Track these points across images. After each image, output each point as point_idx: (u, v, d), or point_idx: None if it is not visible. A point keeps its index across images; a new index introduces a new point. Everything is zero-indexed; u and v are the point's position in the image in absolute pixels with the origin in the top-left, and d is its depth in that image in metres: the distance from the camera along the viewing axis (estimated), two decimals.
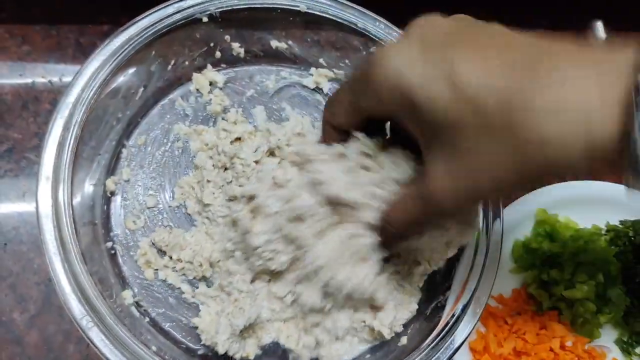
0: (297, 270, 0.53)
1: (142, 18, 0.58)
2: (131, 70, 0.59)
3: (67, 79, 0.68)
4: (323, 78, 0.67)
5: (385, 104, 0.41)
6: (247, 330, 0.54)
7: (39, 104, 0.66)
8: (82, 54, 0.69)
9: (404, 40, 0.40)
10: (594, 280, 0.63)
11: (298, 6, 0.62)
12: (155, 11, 0.58)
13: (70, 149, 0.53)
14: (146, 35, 0.58)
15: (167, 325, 0.56)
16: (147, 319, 0.55)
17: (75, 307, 0.48)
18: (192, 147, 0.62)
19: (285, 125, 0.59)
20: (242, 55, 0.66)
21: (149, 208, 0.60)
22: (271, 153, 0.58)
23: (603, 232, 0.68)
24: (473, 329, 0.52)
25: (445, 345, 0.52)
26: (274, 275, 0.54)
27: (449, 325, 0.52)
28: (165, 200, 0.60)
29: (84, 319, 0.47)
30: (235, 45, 0.65)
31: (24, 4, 0.70)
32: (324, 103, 0.53)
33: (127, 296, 0.55)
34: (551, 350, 0.61)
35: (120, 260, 0.57)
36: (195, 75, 0.65)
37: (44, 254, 0.48)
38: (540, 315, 0.64)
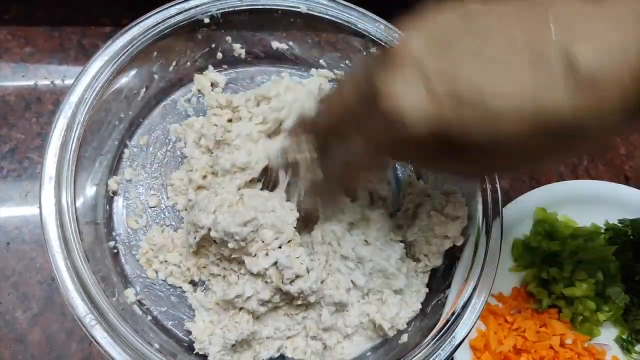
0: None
1: (144, 19, 0.58)
2: (133, 71, 0.59)
3: (69, 80, 0.68)
4: (323, 79, 0.68)
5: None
6: (242, 344, 0.54)
7: (42, 104, 0.66)
8: (84, 55, 0.70)
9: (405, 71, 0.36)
10: (593, 278, 0.63)
11: (299, 7, 0.62)
12: (157, 12, 0.59)
13: (72, 149, 0.53)
14: (148, 36, 0.58)
15: (169, 324, 0.56)
16: (149, 317, 0.55)
17: (79, 305, 0.48)
18: (188, 142, 0.62)
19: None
20: (243, 56, 0.67)
21: (151, 207, 0.60)
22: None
23: (602, 230, 0.68)
24: (473, 326, 0.53)
25: (446, 342, 0.52)
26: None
27: (450, 322, 0.53)
28: (167, 199, 0.61)
29: (87, 316, 0.48)
30: (237, 46, 0.66)
31: (27, 6, 0.70)
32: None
33: (130, 295, 0.55)
34: (551, 347, 0.61)
35: (122, 259, 0.58)
36: (196, 76, 0.66)
37: (46, 253, 0.49)
38: (540, 313, 0.64)
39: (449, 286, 0.56)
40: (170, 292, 0.57)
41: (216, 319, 0.55)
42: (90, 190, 0.57)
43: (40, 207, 0.50)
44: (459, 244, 0.58)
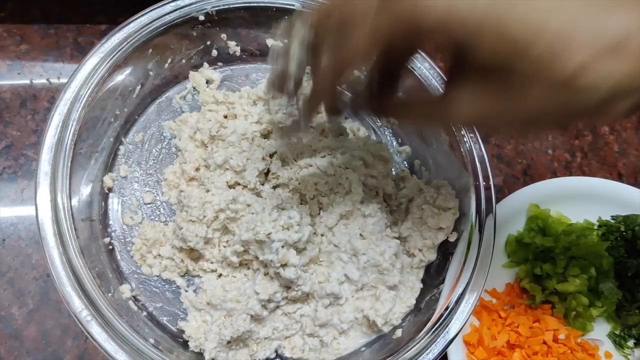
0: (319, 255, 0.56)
1: (139, 16, 0.59)
2: (128, 69, 0.60)
3: (65, 77, 0.68)
4: None
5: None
6: (238, 342, 0.55)
7: (38, 102, 0.67)
8: (80, 53, 0.70)
9: None
10: (586, 274, 0.64)
11: (293, 5, 0.62)
12: (152, 10, 0.59)
13: (68, 146, 0.53)
14: (143, 33, 0.58)
15: (164, 320, 0.56)
16: (145, 313, 0.56)
17: (74, 300, 0.48)
18: (182, 137, 0.62)
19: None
20: (238, 53, 0.67)
21: (146, 204, 0.60)
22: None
23: (595, 226, 0.69)
24: (466, 322, 0.53)
25: (439, 337, 0.52)
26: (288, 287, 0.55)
27: (443, 318, 0.53)
28: (162, 195, 0.61)
29: (82, 312, 0.48)
30: (232, 43, 0.66)
31: (23, 3, 0.70)
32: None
33: (125, 290, 0.55)
34: (544, 343, 0.62)
35: (118, 255, 0.58)
36: (191, 73, 0.66)
37: (42, 249, 0.49)
38: (533, 309, 0.64)
39: (442, 282, 0.56)
40: (166, 287, 0.57)
41: (209, 319, 0.55)
42: (85, 187, 0.57)
43: (35, 204, 0.50)
44: (452, 239, 0.58)
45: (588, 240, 0.65)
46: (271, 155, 0.59)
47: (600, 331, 0.66)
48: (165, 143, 0.63)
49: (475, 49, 0.33)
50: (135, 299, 0.56)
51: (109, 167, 0.61)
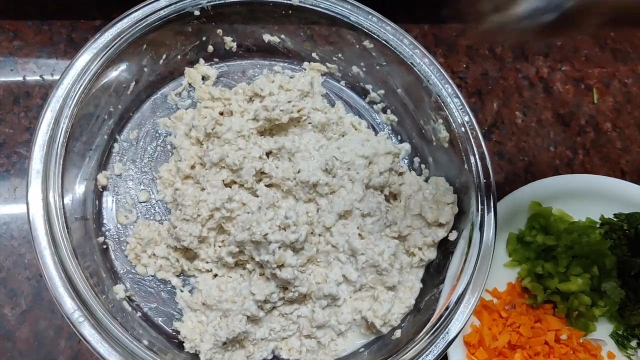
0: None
1: (134, 11, 0.58)
2: (122, 65, 0.59)
3: (59, 74, 0.67)
4: (316, 72, 0.67)
5: None
6: (233, 343, 0.54)
7: (31, 99, 0.66)
8: (74, 49, 0.69)
9: None
10: (588, 273, 0.63)
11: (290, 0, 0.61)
12: (146, 5, 0.58)
13: (60, 142, 0.52)
14: (137, 28, 0.57)
15: (159, 320, 0.55)
16: (139, 314, 0.55)
17: (66, 301, 0.47)
18: (178, 134, 0.61)
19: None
20: (234, 49, 0.66)
21: (141, 202, 0.59)
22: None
23: (597, 225, 0.68)
24: (467, 322, 0.52)
25: (439, 338, 0.51)
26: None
27: (443, 317, 0.52)
28: (157, 193, 0.60)
29: (74, 313, 0.47)
30: (228, 39, 0.65)
31: None
32: None
33: (119, 291, 0.54)
34: (546, 343, 0.61)
35: (112, 255, 0.57)
36: (187, 69, 0.65)
37: (34, 249, 0.48)
38: (535, 309, 0.63)
39: (442, 281, 0.55)
40: (161, 288, 0.56)
41: (205, 320, 0.54)
42: (79, 186, 0.56)
43: (27, 203, 0.49)
44: (452, 238, 0.57)
45: (590, 238, 0.64)
46: (268, 154, 0.58)
47: (602, 331, 0.65)
48: (160, 140, 0.62)
49: None
50: (129, 299, 0.55)
51: (103, 165, 0.60)
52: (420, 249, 0.58)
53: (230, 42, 0.65)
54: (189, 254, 0.56)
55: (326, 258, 0.56)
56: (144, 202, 0.59)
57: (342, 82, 0.68)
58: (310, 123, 0.60)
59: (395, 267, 0.56)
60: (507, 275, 0.66)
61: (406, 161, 0.66)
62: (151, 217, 0.59)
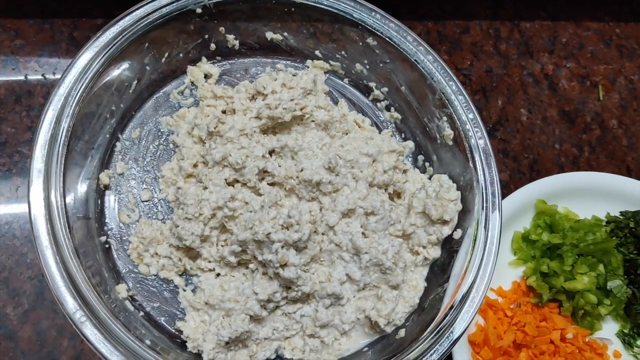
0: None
1: (135, 9, 0.57)
2: (124, 63, 0.58)
3: (60, 73, 0.67)
4: (319, 70, 0.67)
5: None
6: (237, 343, 0.54)
7: (32, 98, 0.65)
8: (75, 48, 0.68)
9: None
10: (594, 271, 0.62)
11: None
12: (148, 3, 0.58)
13: (62, 141, 0.52)
14: (139, 26, 0.57)
15: (161, 319, 0.55)
16: (142, 313, 0.54)
17: (68, 301, 0.47)
18: (180, 133, 0.61)
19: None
20: (237, 47, 0.66)
21: (143, 201, 0.59)
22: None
23: (603, 223, 0.67)
24: (472, 321, 0.52)
25: (444, 337, 0.51)
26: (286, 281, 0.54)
27: (448, 317, 0.52)
28: (159, 192, 0.60)
29: (76, 313, 0.47)
30: (230, 37, 0.65)
31: None
32: None
33: (122, 290, 0.54)
34: (551, 342, 0.60)
35: (114, 254, 0.57)
36: (189, 67, 0.64)
37: (35, 249, 0.48)
38: (540, 308, 0.63)
39: (447, 280, 0.55)
40: (163, 287, 0.56)
41: (208, 319, 0.54)
42: (81, 185, 0.56)
43: (28, 202, 0.49)
44: (457, 236, 0.57)
45: (596, 236, 0.64)
46: (270, 153, 0.58)
47: (608, 330, 0.64)
48: (162, 139, 0.62)
49: None
50: (132, 298, 0.55)
51: (105, 164, 0.59)
52: (424, 247, 0.58)
53: (232, 40, 0.65)
54: (192, 253, 0.56)
55: (329, 257, 0.55)
56: (147, 201, 0.59)
57: (346, 80, 0.68)
58: (313, 121, 0.60)
59: (399, 265, 0.55)
60: (512, 273, 0.66)
61: (410, 159, 0.65)
62: (154, 216, 0.59)
